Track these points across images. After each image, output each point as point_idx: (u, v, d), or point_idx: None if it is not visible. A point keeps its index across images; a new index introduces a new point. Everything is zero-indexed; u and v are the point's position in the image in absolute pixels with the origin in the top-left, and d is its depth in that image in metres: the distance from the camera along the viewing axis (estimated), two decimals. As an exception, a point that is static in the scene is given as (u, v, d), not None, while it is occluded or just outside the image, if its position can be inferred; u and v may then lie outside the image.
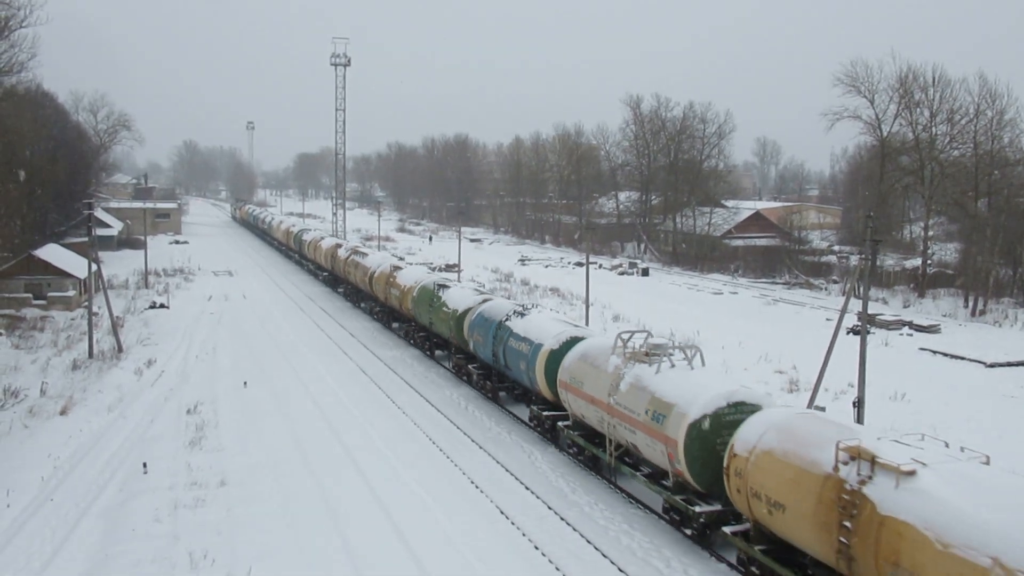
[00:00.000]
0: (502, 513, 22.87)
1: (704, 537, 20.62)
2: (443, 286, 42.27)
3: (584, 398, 25.45)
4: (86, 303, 51.24)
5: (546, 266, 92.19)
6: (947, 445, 16.15)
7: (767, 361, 42.33)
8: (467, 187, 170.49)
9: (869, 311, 31.44)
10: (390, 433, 30.12)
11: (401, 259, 69.98)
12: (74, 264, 60.74)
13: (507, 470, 26.40)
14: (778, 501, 17.00)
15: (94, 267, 48.16)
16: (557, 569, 19.65)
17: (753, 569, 18.55)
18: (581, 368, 25.86)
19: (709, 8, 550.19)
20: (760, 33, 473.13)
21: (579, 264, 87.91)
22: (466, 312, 37.37)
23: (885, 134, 76.85)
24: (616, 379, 23.61)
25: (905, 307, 63.47)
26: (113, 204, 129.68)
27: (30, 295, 56.87)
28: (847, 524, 15.06)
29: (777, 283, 79.19)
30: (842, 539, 15.22)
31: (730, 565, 19.69)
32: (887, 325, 53.09)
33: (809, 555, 16.94)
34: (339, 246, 69.22)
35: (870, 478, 14.91)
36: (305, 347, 45.94)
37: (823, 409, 26.74)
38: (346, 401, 34.58)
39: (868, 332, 31.48)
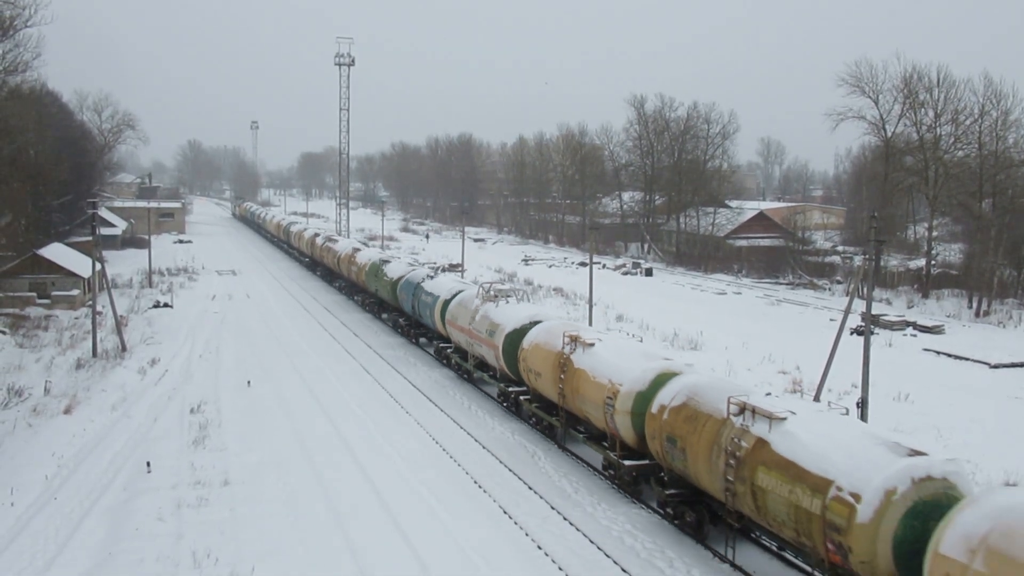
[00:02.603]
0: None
1: (517, 407, 32.10)
2: (386, 261, 54.35)
3: (458, 328, 37.43)
4: (90, 302, 51.30)
5: (550, 266, 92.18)
6: (631, 335, 28.97)
7: (771, 361, 42.28)
8: (471, 187, 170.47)
9: (873, 312, 31.41)
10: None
11: (364, 243, 79.93)
12: (78, 263, 60.88)
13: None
14: (539, 372, 28.77)
15: (98, 266, 48.25)
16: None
17: (533, 420, 30.67)
18: (458, 309, 37.77)
19: (714, 7, 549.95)
20: (764, 32, 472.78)
21: (583, 264, 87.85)
22: (399, 279, 48.68)
23: (889, 134, 76.70)
24: (475, 313, 35.50)
25: (909, 308, 63.34)
26: (117, 203, 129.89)
27: (34, 294, 57.03)
28: (562, 376, 26.84)
29: (781, 283, 79.10)
30: (560, 385, 27.03)
31: (715, 554, 19.71)
32: (891, 326, 53.00)
33: (551, 401, 28.63)
34: (317, 235, 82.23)
35: (574, 350, 26.62)
36: (305, 343, 46.22)
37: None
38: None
39: (872, 333, 31.44)
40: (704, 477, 19.71)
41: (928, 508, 14.81)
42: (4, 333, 46.58)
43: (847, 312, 31.28)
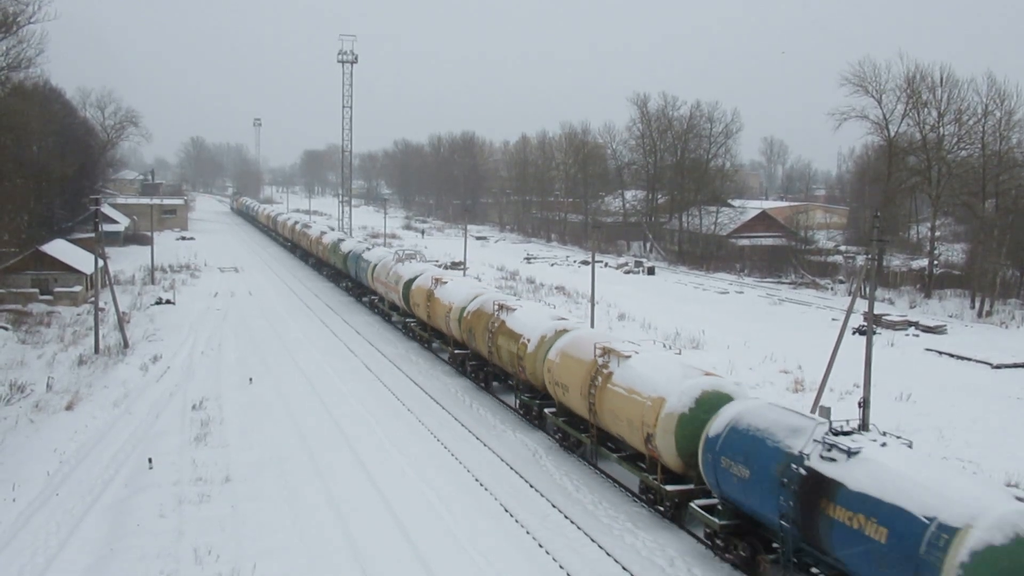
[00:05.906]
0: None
1: (413, 334, 47.03)
2: (342, 240, 71.50)
3: (380, 282, 53.03)
4: (92, 298, 51.38)
5: (552, 264, 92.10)
6: (476, 277, 56.46)
7: (772, 361, 42.22)
8: (473, 185, 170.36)
9: (875, 311, 31.37)
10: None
11: (322, 226, 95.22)
12: (81, 260, 60.93)
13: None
14: (418, 303, 44.04)
15: (100, 263, 48.29)
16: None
17: (418, 339, 46.22)
18: (381, 269, 53.05)
19: (716, 5, 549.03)
20: (767, 31, 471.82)
21: (585, 262, 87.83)
22: (348, 252, 64.80)
23: (892, 134, 76.51)
24: (389, 270, 50.86)
25: (911, 308, 63.26)
26: (120, 200, 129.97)
27: (37, 290, 57.07)
28: (428, 304, 41.98)
29: (783, 283, 79.00)
30: (428, 311, 42.11)
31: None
32: (893, 325, 52.93)
33: (424, 322, 44.46)
34: (296, 223, 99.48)
35: (436, 287, 41.78)
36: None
37: (828, 410, 26.65)
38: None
39: (874, 332, 31.41)
40: (481, 347, 35.00)
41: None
42: (6, 329, 46.62)
43: (849, 312, 31.26)
